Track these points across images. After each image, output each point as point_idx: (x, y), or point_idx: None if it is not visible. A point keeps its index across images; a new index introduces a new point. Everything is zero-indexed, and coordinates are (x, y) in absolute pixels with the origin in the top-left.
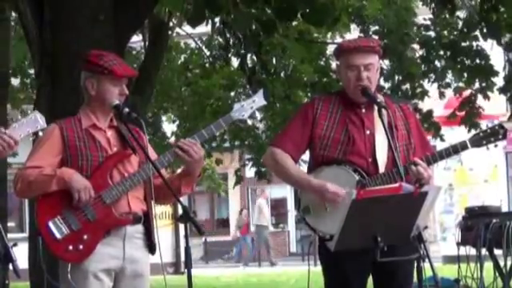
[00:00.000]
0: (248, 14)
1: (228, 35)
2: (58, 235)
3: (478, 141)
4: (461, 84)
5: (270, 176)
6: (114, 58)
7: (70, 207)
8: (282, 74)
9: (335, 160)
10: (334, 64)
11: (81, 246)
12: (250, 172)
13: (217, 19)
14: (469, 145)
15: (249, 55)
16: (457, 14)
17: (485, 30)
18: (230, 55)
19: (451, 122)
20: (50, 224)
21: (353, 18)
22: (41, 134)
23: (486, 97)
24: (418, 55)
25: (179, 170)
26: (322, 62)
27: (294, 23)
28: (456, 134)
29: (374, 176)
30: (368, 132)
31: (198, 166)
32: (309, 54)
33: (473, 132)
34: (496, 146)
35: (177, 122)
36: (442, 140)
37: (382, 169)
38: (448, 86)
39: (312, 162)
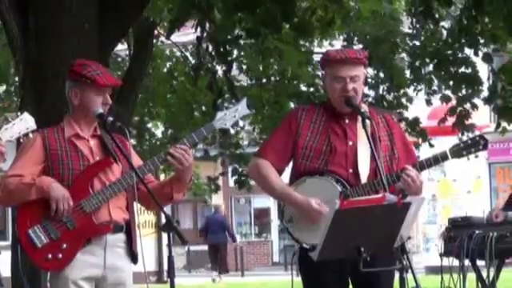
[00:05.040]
0: (232, 22)
1: (201, 51)
2: (37, 244)
3: (459, 151)
4: (447, 92)
5: (249, 185)
6: (97, 68)
7: (50, 216)
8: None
9: (317, 170)
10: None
11: (60, 255)
12: (233, 181)
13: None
14: (449, 155)
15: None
16: (442, 24)
17: (463, 41)
18: (201, 72)
19: (436, 131)
20: (30, 232)
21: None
22: (31, 134)
23: (475, 106)
24: (404, 63)
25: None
26: (310, 69)
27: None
28: (440, 143)
29: (357, 186)
30: (350, 143)
31: (188, 173)
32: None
33: (464, 136)
34: (477, 156)
35: (162, 129)
36: (431, 146)
37: (363, 180)
38: (435, 92)
39: (294, 172)
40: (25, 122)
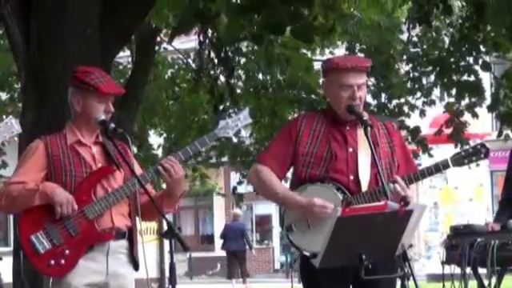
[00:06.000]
0: (237, 26)
1: (207, 54)
2: (39, 250)
3: (460, 160)
4: (451, 100)
5: None
6: (101, 76)
7: (53, 222)
8: (271, 90)
9: (318, 177)
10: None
11: (62, 261)
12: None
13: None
14: (450, 164)
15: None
16: (444, 32)
17: (464, 49)
18: (202, 77)
19: (437, 139)
20: (33, 238)
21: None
22: (16, 139)
23: (475, 115)
24: (403, 71)
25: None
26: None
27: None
28: (441, 151)
29: (359, 194)
30: (351, 149)
31: (178, 186)
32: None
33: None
34: (478, 165)
35: (164, 136)
36: (430, 156)
37: (364, 187)
38: (433, 103)
39: (295, 180)
40: (10, 126)
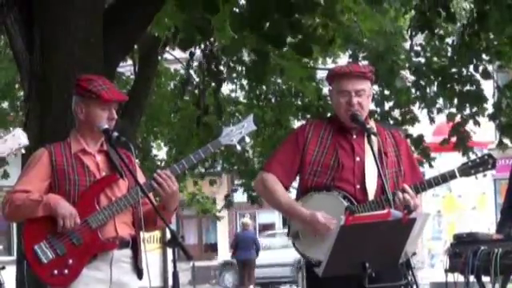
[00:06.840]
0: (240, 39)
1: (191, 70)
2: (43, 259)
3: (467, 170)
4: (453, 110)
5: (262, 201)
6: (103, 83)
7: (56, 232)
8: (273, 100)
9: (324, 186)
10: (325, 89)
11: (66, 271)
12: (238, 197)
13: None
14: (457, 174)
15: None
16: (446, 41)
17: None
18: (188, 90)
19: (440, 148)
20: (36, 248)
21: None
22: (23, 151)
23: (477, 123)
24: (408, 81)
25: None
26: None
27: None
28: (445, 160)
29: (363, 203)
30: (358, 158)
31: (172, 200)
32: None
33: (466, 157)
34: (485, 175)
35: (167, 147)
36: (431, 166)
37: (371, 196)
38: (439, 111)
39: (301, 188)
40: (17, 138)
